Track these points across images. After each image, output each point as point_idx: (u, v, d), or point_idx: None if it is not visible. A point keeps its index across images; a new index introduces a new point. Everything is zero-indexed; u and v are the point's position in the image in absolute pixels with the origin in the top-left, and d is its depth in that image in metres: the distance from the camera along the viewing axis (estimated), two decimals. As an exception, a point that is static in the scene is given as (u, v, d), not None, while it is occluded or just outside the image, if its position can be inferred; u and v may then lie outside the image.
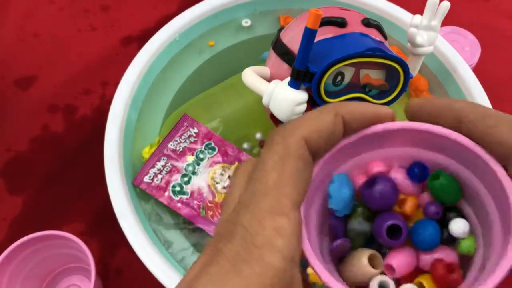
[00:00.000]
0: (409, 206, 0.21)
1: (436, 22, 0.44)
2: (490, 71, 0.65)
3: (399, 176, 0.22)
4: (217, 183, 0.48)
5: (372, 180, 0.21)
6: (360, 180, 0.22)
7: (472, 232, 0.21)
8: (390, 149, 0.22)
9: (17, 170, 0.62)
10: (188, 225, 0.48)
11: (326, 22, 0.41)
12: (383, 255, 0.21)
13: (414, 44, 0.44)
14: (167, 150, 0.48)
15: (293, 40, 0.42)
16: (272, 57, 0.44)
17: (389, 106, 0.42)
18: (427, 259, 0.21)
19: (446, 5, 0.43)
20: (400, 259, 0.21)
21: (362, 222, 0.22)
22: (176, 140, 0.49)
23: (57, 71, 0.69)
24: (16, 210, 0.59)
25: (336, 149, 0.21)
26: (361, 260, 0.21)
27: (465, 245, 0.21)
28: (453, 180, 0.21)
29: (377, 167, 0.22)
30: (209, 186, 0.47)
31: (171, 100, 0.54)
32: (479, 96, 0.50)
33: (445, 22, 0.47)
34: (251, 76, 0.42)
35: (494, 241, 0.20)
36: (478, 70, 0.58)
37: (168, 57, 0.55)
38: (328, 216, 0.22)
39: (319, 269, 0.20)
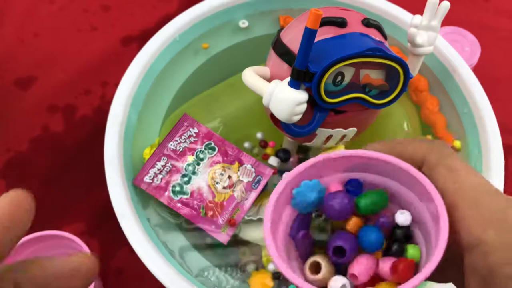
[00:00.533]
0: (352, 223, 0.25)
1: (436, 22, 0.44)
2: (490, 71, 0.65)
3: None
4: (217, 183, 0.48)
5: (332, 195, 0.25)
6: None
7: (416, 242, 0.25)
8: (339, 174, 0.26)
9: (17, 170, 0.62)
10: (188, 225, 0.48)
11: (326, 22, 0.41)
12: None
13: (414, 44, 0.44)
14: (167, 150, 0.48)
15: (293, 40, 0.42)
16: (272, 57, 0.44)
17: (389, 106, 0.42)
18: (385, 265, 0.23)
19: (446, 5, 0.43)
20: (360, 267, 0.23)
21: (318, 234, 0.26)
22: (176, 140, 0.49)
23: (57, 71, 0.69)
24: (16, 210, 0.59)
25: (300, 171, 0.25)
26: (305, 266, 0.25)
27: (411, 251, 0.24)
28: (373, 195, 0.25)
29: (334, 188, 0.25)
30: (209, 186, 0.47)
31: (171, 100, 0.54)
32: (479, 96, 0.50)
33: (445, 22, 0.47)
34: (251, 76, 0.42)
35: (432, 252, 0.22)
36: (478, 70, 0.58)
37: (168, 57, 0.55)
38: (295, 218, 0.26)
39: (282, 268, 0.23)
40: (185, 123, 0.50)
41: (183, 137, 0.49)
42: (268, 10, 0.58)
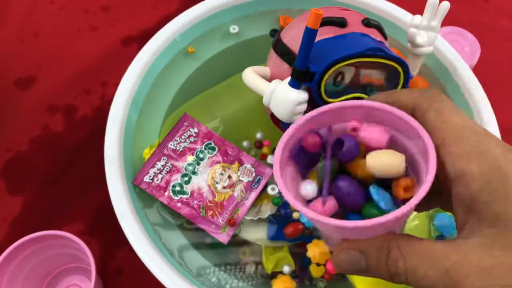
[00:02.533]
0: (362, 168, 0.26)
1: (436, 22, 0.44)
2: (490, 71, 0.65)
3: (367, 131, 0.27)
4: (217, 183, 0.48)
5: (339, 139, 0.27)
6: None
7: (408, 174, 0.27)
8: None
9: (17, 170, 0.62)
10: (188, 225, 0.48)
11: (327, 22, 0.41)
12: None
13: (414, 44, 0.44)
14: (167, 150, 0.48)
15: (293, 40, 0.42)
16: (273, 57, 0.44)
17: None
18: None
19: (446, 5, 0.43)
20: (371, 130, 0.26)
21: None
22: (176, 140, 0.49)
23: (57, 71, 0.69)
24: (16, 210, 0.59)
25: (307, 118, 0.27)
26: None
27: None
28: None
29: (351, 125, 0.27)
30: (209, 185, 0.47)
31: (171, 100, 0.54)
32: (479, 96, 0.50)
33: (445, 22, 0.47)
34: (251, 76, 0.42)
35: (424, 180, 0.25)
36: (478, 70, 0.58)
37: (168, 57, 0.55)
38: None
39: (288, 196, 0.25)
40: (185, 123, 0.50)
41: (183, 137, 0.49)
42: (268, 10, 0.58)
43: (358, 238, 0.26)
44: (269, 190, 0.48)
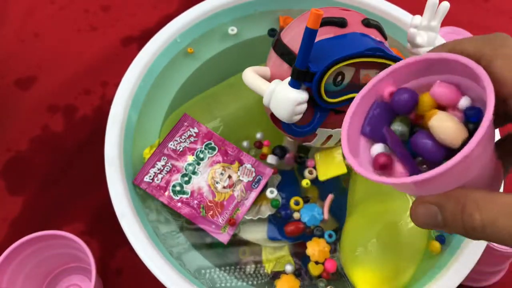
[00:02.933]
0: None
1: (436, 22, 0.44)
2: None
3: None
4: (217, 183, 0.48)
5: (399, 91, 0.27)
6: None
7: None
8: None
9: (17, 170, 0.62)
10: (188, 225, 0.48)
11: (327, 22, 0.41)
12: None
13: (414, 45, 0.45)
14: (167, 150, 0.48)
15: (293, 40, 0.42)
16: (273, 57, 0.44)
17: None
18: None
19: (446, 5, 0.43)
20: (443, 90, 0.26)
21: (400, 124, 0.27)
22: (176, 140, 0.49)
23: (57, 71, 0.69)
24: (16, 210, 0.59)
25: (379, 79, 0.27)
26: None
27: None
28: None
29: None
30: (209, 185, 0.47)
31: (171, 100, 0.54)
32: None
33: (445, 22, 0.47)
34: (251, 76, 0.42)
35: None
36: (477, 70, 0.58)
37: (169, 57, 0.55)
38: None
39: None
40: (185, 123, 0.50)
41: (183, 137, 0.49)
42: (268, 11, 0.58)
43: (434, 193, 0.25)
44: (267, 193, 0.48)
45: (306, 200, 0.48)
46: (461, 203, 0.24)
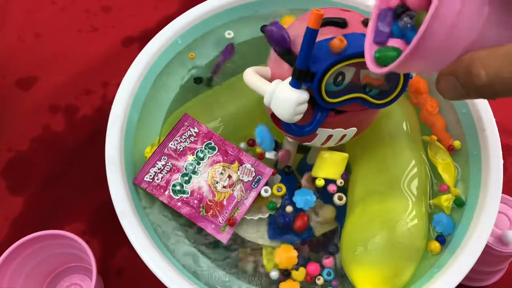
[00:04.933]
0: None
1: None
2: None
3: None
4: (217, 183, 0.48)
5: None
6: None
7: None
8: None
9: (18, 170, 0.62)
10: (188, 224, 0.48)
11: (327, 22, 0.41)
12: None
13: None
14: (167, 150, 0.49)
15: (294, 40, 0.42)
16: (273, 57, 0.44)
17: (389, 106, 0.42)
18: None
19: None
20: None
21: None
22: (177, 140, 0.49)
23: (58, 71, 0.69)
24: (17, 209, 0.59)
25: None
26: None
27: None
28: None
29: None
30: (209, 185, 0.48)
31: (171, 100, 0.55)
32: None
33: None
34: (252, 76, 0.42)
35: None
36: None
37: (169, 58, 0.55)
38: None
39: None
40: (186, 123, 0.50)
41: (183, 136, 0.49)
42: (268, 11, 0.58)
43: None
44: (262, 192, 0.48)
45: (298, 187, 0.48)
46: (469, 66, 0.23)
